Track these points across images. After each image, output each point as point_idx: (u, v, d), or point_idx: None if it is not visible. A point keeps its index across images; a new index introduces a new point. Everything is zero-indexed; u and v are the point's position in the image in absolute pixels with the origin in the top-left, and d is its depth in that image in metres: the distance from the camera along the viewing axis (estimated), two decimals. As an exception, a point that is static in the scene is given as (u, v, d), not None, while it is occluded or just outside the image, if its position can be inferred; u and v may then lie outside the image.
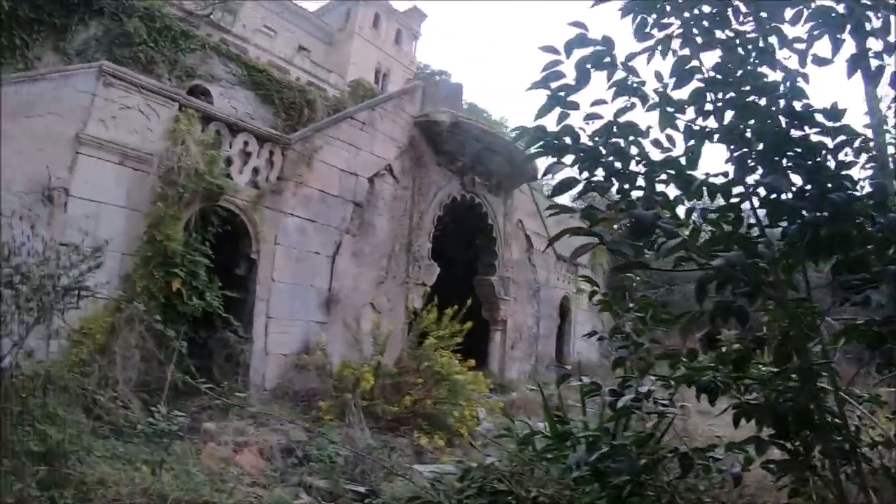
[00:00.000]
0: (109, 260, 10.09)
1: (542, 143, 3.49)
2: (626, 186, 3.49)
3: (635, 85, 3.59)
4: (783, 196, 3.23)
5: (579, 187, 3.55)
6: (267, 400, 12.71)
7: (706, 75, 3.62)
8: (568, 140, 3.48)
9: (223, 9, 33.60)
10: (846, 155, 3.46)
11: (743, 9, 3.71)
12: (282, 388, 13.33)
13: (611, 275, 27.99)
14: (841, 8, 3.52)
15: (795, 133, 3.44)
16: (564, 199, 39.69)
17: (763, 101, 3.50)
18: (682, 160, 3.56)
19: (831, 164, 3.40)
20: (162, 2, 19.75)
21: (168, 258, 11.45)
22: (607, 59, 3.49)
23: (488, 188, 20.32)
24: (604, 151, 3.48)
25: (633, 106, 3.62)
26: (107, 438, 8.39)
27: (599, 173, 3.53)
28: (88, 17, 16.68)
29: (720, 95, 3.61)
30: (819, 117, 3.42)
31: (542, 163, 3.61)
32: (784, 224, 3.31)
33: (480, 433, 13.01)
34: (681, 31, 3.67)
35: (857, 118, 14.47)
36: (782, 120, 3.46)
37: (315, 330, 14.54)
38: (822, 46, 3.79)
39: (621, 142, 3.52)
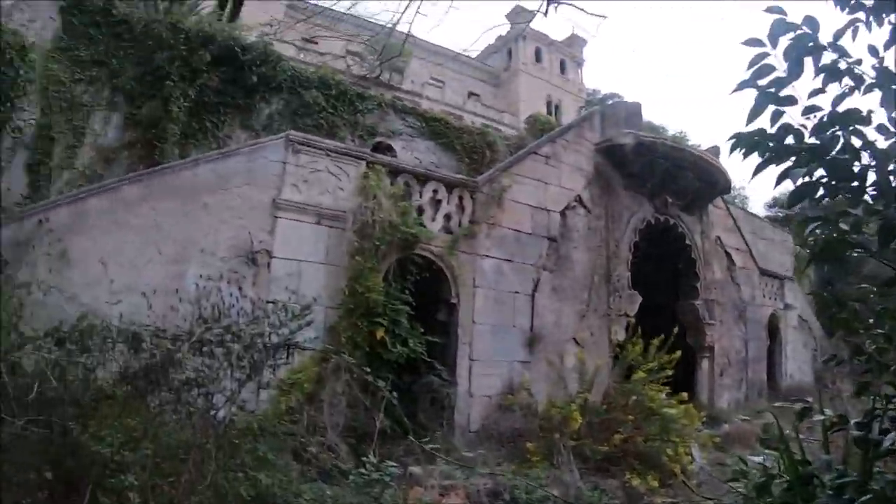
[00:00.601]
0: (314, 314, 10.38)
1: (760, 147, 3.10)
2: (856, 185, 3.02)
3: (848, 66, 3.11)
4: None
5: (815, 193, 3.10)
6: (472, 442, 12.60)
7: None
8: (791, 140, 3.07)
9: (390, 69, 34.75)
10: None
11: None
12: (487, 430, 13.18)
13: (819, 287, 26.05)
14: None
15: None
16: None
17: None
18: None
19: None
20: (333, 70, 20.76)
21: (371, 309, 11.79)
22: (812, 43, 3.05)
23: (681, 207, 19.43)
24: (826, 147, 3.05)
25: (851, 91, 3.14)
26: (314, 482, 8.58)
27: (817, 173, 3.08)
28: (269, 94, 17.85)
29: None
30: None
31: (738, 170, 3.16)
32: None
33: (694, 472, 12.22)
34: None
35: None
36: None
37: (518, 369, 14.32)
38: None
39: (841, 134, 3.07)
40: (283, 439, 8.06)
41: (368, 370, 9.90)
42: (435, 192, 13.88)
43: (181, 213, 11.51)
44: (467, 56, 58.13)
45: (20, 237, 10.96)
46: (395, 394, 9.26)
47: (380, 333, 11.76)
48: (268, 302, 10.08)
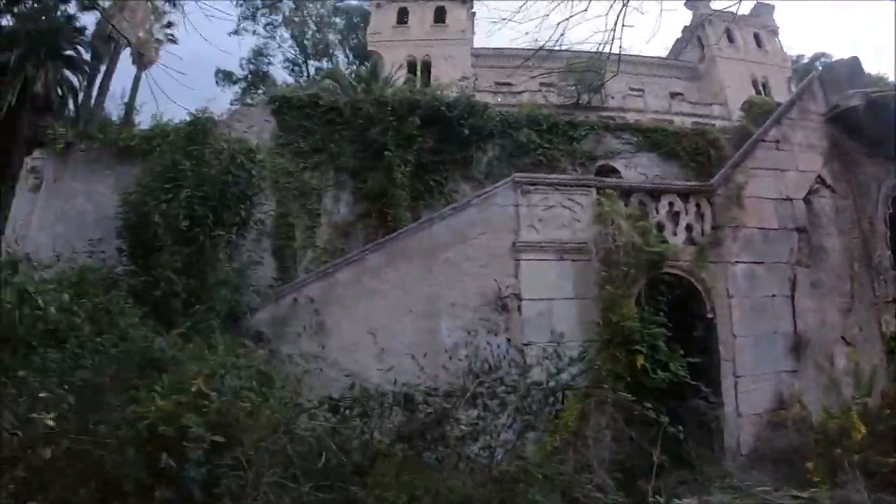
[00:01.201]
0: (570, 350, 10.24)
1: None
2: None
3: None
4: None
5: None
6: (744, 466, 11.65)
7: None
8: None
9: (585, 91, 34.41)
10: None
11: None
12: (758, 451, 12.10)
13: None
14: None
15: None
16: None
17: None
18: None
19: None
20: (539, 106, 20.80)
21: (627, 337, 11.40)
22: None
23: (932, 161, 17.30)
24: None
25: None
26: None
27: None
28: (482, 142, 18.33)
29: None
30: None
31: None
32: None
33: None
34: None
35: None
36: None
37: (786, 380, 13.07)
38: None
39: None
40: (552, 481, 7.87)
41: (635, 399, 9.54)
42: (671, 204, 13.29)
43: (425, 272, 11.98)
44: (659, 58, 56.44)
45: (278, 315, 12.03)
46: (667, 421, 8.82)
47: (639, 361, 11.28)
48: (523, 345, 10.10)
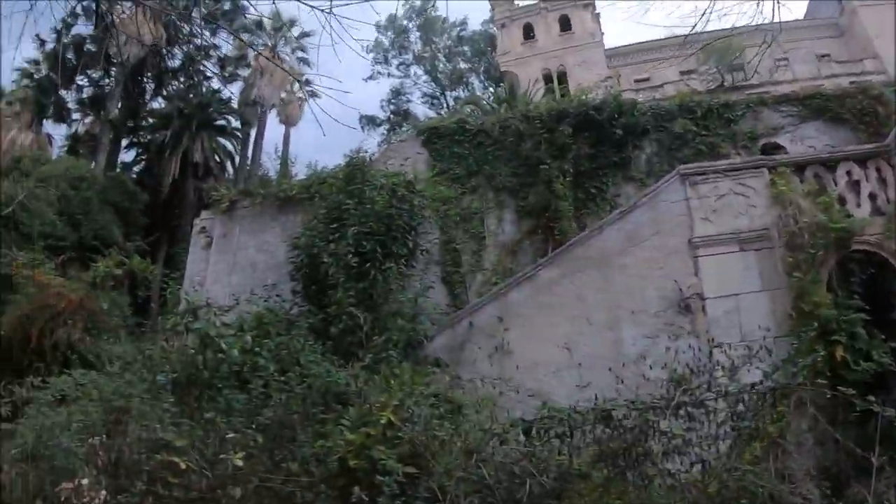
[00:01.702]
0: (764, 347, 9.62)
1: None
2: None
3: None
4: None
5: None
6: None
7: None
8: None
9: (728, 70, 32.81)
10: None
11: None
12: None
13: None
14: None
15: None
16: None
17: None
18: None
19: None
20: (689, 93, 19.91)
21: (823, 327, 10.38)
22: None
23: None
24: None
25: None
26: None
27: None
28: (637, 140, 17.81)
29: None
30: None
31: None
32: None
33: None
34: None
35: None
36: None
37: None
38: None
39: None
40: (753, 492, 7.21)
41: (846, 395, 8.73)
42: (848, 173, 12.12)
43: (600, 281, 11.63)
44: (797, 20, 52.68)
45: (455, 341, 12.04)
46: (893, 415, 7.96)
47: (839, 352, 10.20)
48: (712, 347, 9.32)
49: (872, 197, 12.01)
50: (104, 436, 6.61)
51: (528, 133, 17.67)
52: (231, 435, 6.64)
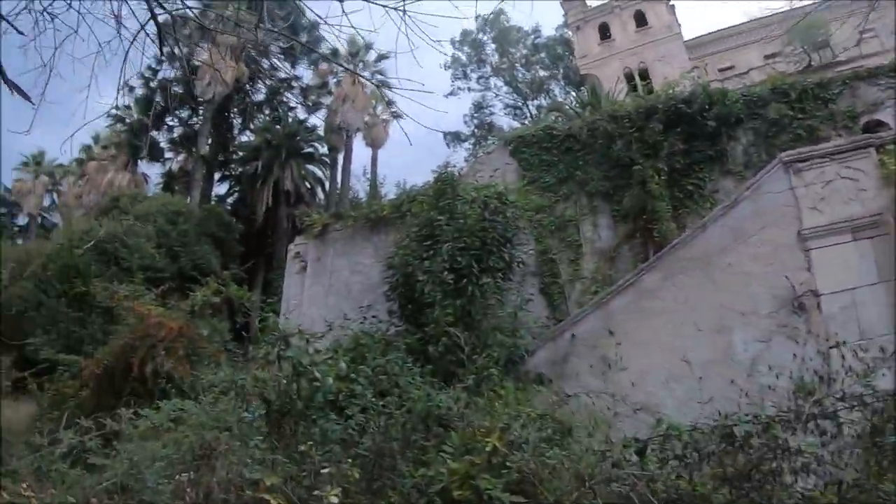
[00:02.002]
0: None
1: None
2: None
3: None
4: None
5: None
6: None
7: None
8: None
9: (814, 49, 31.29)
10: None
11: None
12: None
13: None
14: None
15: None
16: None
17: None
18: None
19: None
20: (780, 75, 18.92)
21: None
22: None
23: None
24: None
25: None
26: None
27: None
28: (731, 130, 16.89)
29: None
30: None
31: None
32: None
33: None
34: None
35: None
36: None
37: None
38: None
39: None
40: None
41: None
42: None
43: (706, 282, 11.09)
44: None
45: (557, 354, 11.63)
46: None
47: None
48: (830, 348, 9.05)
49: None
50: (192, 472, 6.48)
51: (617, 133, 17.08)
52: (326, 469, 6.36)
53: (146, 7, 5.66)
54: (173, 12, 6.40)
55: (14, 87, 5.41)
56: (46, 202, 50.30)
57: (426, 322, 11.88)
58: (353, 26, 5.65)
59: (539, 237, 16.65)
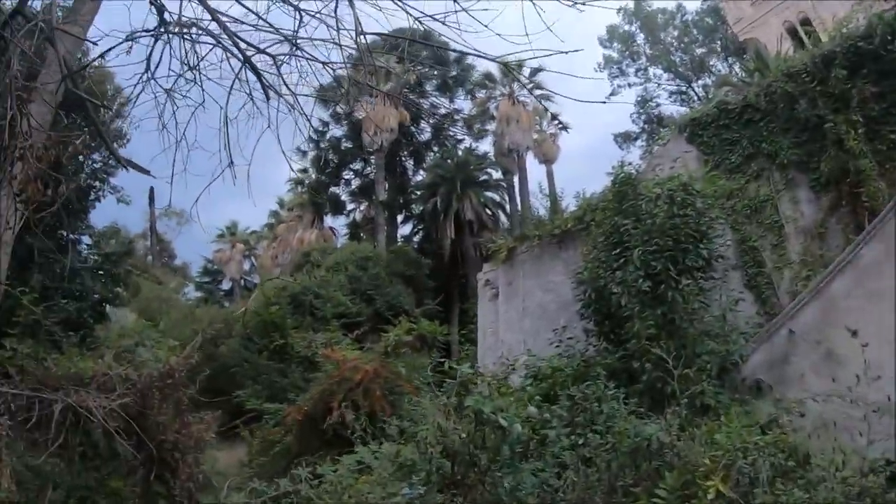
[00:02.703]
0: None
1: None
2: None
3: None
4: None
5: None
6: None
7: None
8: None
9: None
10: None
11: None
12: None
13: None
14: None
15: None
16: None
17: None
18: None
19: None
20: None
21: None
22: None
23: None
24: None
25: None
26: None
27: None
28: None
29: None
30: None
31: None
32: None
33: None
34: None
35: None
36: None
37: None
38: None
39: None
40: None
41: None
42: None
43: None
44: None
45: (774, 356, 10.12)
46: None
47: None
48: None
49: None
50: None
51: (798, 92, 14.73)
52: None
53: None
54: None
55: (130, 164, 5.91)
56: (246, 266, 53.99)
57: (626, 338, 10.72)
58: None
59: (735, 225, 14.82)
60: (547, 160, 40.41)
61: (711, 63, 48.21)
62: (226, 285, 54.71)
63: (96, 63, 9.50)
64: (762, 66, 19.24)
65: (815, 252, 13.78)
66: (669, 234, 10.86)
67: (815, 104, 14.60)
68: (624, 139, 48.41)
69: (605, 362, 10.76)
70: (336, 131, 41.91)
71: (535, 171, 41.20)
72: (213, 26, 5.99)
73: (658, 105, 49.30)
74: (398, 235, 40.70)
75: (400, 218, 41.67)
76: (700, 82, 47.76)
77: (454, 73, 40.78)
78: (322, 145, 41.59)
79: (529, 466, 6.96)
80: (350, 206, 44.36)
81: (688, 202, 11.32)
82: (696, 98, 45.82)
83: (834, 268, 10.27)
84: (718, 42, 47.43)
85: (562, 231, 17.01)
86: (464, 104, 42.00)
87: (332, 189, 43.43)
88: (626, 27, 49.92)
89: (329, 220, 44.61)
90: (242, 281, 52.89)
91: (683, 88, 48.95)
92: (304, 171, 43.25)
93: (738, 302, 11.78)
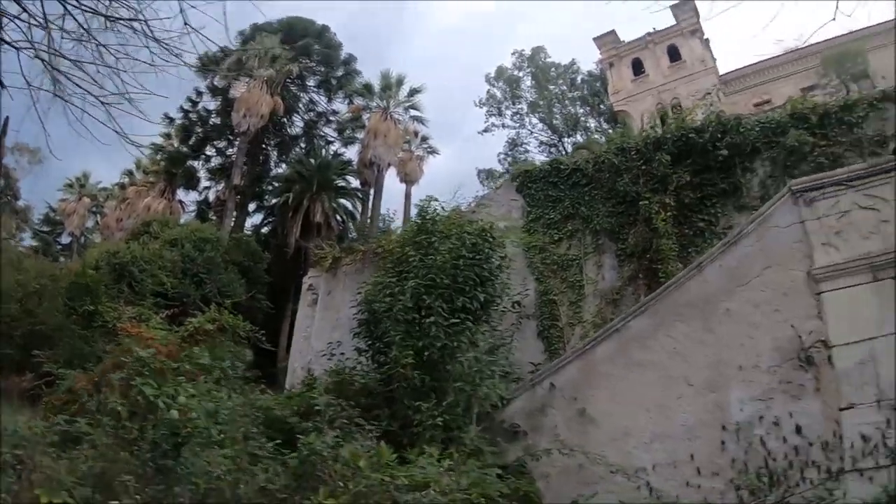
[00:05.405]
0: None
1: None
2: None
3: None
4: None
5: None
6: None
7: None
8: None
9: (853, 80, 28.95)
10: None
11: None
12: None
13: None
14: None
15: None
16: None
17: None
18: None
19: None
20: (800, 99, 16.72)
21: None
22: None
23: None
24: None
25: None
26: None
27: None
28: (746, 161, 14.71)
29: None
30: None
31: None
32: None
33: None
34: None
35: None
36: None
37: None
38: None
39: None
40: None
41: None
42: None
43: (702, 332, 9.44)
44: None
45: (534, 405, 10.28)
46: None
47: None
48: (840, 409, 8.00)
49: None
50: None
51: (624, 167, 15.32)
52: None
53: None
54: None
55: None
56: (90, 223, 50.72)
57: (387, 363, 10.49)
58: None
59: (540, 278, 15.33)
60: (408, 180, 39.89)
61: (587, 124, 49.40)
62: (65, 240, 51.19)
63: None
64: (623, 139, 19.80)
65: (607, 316, 14.14)
66: (449, 273, 10.69)
67: (636, 181, 15.17)
68: (487, 175, 48.69)
69: (363, 382, 10.82)
70: (209, 104, 40.10)
71: (397, 189, 40.53)
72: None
73: (526, 151, 50.13)
74: (247, 224, 39.15)
75: (252, 207, 40.04)
76: (571, 139, 48.74)
77: (339, 73, 39.95)
78: (191, 115, 39.74)
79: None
80: (206, 184, 42.25)
81: (479, 247, 11.22)
82: (563, 153, 46.76)
83: (602, 332, 10.47)
84: (598, 106, 48.66)
85: (384, 251, 16.48)
86: (341, 107, 41.02)
87: (192, 163, 41.18)
88: (516, 72, 50.52)
89: (181, 195, 42.25)
90: (83, 238, 49.55)
91: (554, 142, 49.88)
92: (168, 136, 40.96)
93: (527, 348, 12.65)
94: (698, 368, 9.17)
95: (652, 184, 14.98)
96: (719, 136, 14.60)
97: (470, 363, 9.93)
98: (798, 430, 8.11)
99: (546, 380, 10.24)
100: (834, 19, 7.01)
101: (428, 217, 12.14)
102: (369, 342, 11.45)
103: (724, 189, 14.59)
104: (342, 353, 12.26)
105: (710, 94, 21.21)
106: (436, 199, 12.55)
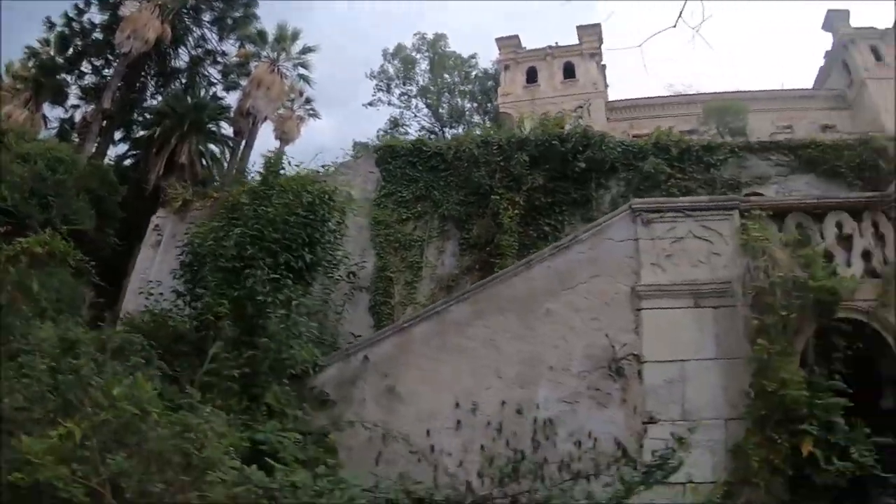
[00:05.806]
0: (708, 432, 7.94)
1: None
2: None
3: None
4: None
5: None
6: None
7: None
8: None
9: (729, 133, 30.10)
10: None
11: None
12: None
13: None
14: None
15: None
16: None
17: None
18: None
19: None
20: (668, 132, 17.07)
21: (789, 412, 7.86)
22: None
23: None
24: None
25: None
26: None
27: None
28: (603, 177, 15.16)
29: None
30: None
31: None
32: None
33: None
34: None
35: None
36: None
37: None
38: None
39: None
40: None
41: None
42: (839, 225, 9.53)
43: (521, 327, 9.27)
44: (805, 89, 49.17)
45: (346, 376, 9.86)
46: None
47: (807, 447, 7.73)
48: (644, 423, 8.08)
49: (866, 255, 9.39)
50: None
51: (484, 159, 15.33)
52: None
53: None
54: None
55: None
56: (-56, 117, 45.72)
57: (202, 311, 9.86)
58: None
59: (381, 253, 15.10)
60: (284, 138, 38.18)
61: (472, 119, 49.16)
62: (-86, 131, 46.23)
63: None
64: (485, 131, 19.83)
65: (439, 299, 13.77)
66: (279, 228, 10.20)
67: (492, 175, 15.24)
68: (362, 149, 47.37)
69: (173, 326, 10.14)
70: (97, 17, 36.97)
71: (271, 145, 38.63)
72: None
73: (406, 133, 49.22)
74: (111, 153, 36.39)
75: (119, 136, 37.22)
76: (452, 130, 48.37)
77: (237, 14, 37.79)
78: (74, 25, 36.64)
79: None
80: (74, 103, 38.98)
81: (316, 208, 10.76)
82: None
83: (424, 312, 10.28)
84: (486, 105, 48.55)
85: (238, 202, 15.85)
86: (231, 49, 38.83)
87: (65, 76, 38.00)
88: (414, 53, 49.69)
89: (47, 109, 38.89)
90: (-65, 132, 44.98)
91: (435, 130, 49.36)
92: (47, 42, 37.65)
93: (358, 320, 12.70)
94: (511, 363, 9.01)
95: (507, 181, 15.07)
96: (581, 148, 14.98)
97: (282, 321, 9.31)
98: (590, 435, 7.92)
99: (361, 352, 9.79)
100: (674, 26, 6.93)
101: (272, 169, 11.50)
102: (189, 286, 10.75)
103: (576, 199, 14.95)
104: (161, 294, 11.47)
105: (581, 107, 21.37)
106: (285, 154, 12.00)
